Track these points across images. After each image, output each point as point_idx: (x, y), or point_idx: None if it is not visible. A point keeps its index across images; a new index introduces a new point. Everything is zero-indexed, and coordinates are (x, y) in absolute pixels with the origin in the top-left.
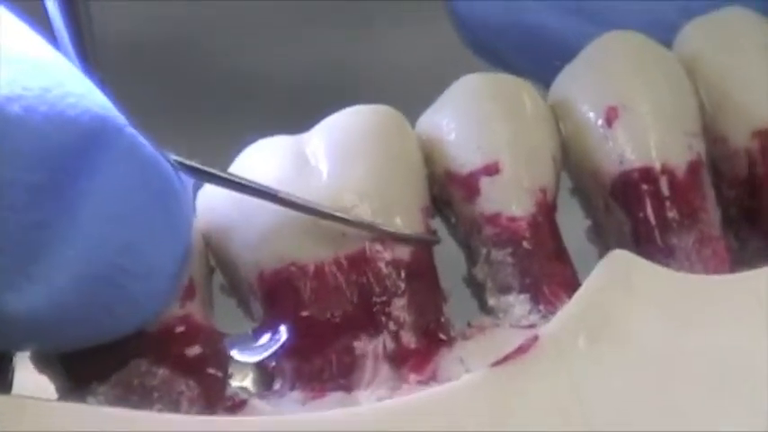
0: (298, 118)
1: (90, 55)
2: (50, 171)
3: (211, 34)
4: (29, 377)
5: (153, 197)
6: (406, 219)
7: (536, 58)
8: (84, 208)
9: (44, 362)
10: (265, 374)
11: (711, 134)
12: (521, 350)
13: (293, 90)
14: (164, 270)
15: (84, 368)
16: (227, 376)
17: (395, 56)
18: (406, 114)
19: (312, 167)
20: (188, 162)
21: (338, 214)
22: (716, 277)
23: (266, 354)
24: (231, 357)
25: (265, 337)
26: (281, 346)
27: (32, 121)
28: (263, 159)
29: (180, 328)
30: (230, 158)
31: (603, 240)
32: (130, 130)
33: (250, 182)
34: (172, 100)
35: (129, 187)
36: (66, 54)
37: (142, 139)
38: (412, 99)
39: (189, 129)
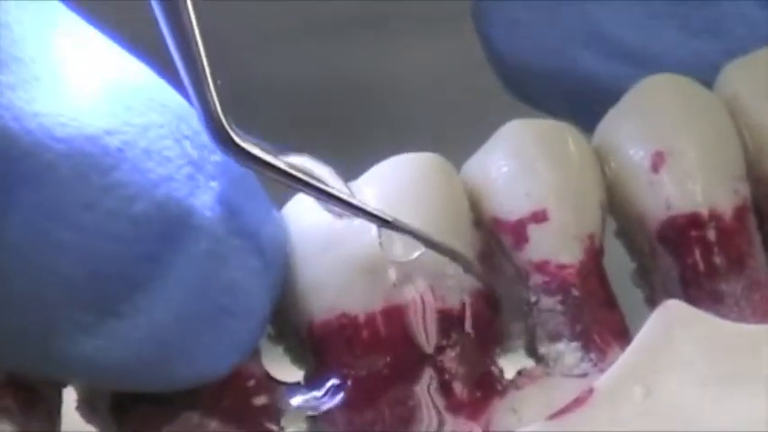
0: (310, 127)
1: (198, 59)
2: (154, 203)
3: (222, 42)
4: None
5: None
6: (457, 268)
7: (576, 100)
8: (190, 245)
9: (92, 411)
10: (317, 426)
11: (754, 174)
12: (577, 403)
13: (304, 99)
14: (260, 311)
15: (134, 419)
16: (279, 428)
17: (411, 66)
18: (423, 127)
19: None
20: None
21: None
22: None
23: (318, 405)
24: (283, 408)
25: (317, 388)
26: (333, 398)
27: (132, 154)
28: (311, 209)
29: (240, 380)
30: None
31: (649, 284)
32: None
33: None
34: None
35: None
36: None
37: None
38: (427, 111)
39: None
